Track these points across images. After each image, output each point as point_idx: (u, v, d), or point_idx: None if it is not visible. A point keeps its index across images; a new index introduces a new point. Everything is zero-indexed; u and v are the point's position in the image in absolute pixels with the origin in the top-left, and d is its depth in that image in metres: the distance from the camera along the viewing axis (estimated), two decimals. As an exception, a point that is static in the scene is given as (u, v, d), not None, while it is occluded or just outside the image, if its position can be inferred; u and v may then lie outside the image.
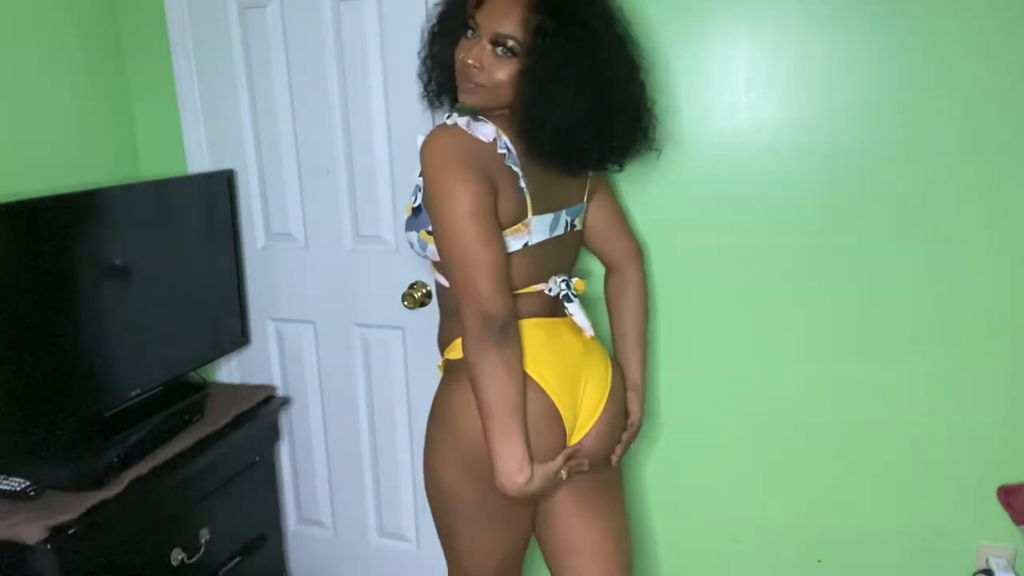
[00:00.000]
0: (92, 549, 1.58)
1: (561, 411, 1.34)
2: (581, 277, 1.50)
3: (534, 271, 1.37)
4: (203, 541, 1.88)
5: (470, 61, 1.27)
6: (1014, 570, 1.75)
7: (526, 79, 1.26)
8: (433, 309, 2.02)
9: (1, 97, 1.82)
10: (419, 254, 1.39)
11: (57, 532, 1.51)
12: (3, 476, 1.63)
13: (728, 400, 1.88)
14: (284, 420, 2.28)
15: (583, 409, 1.39)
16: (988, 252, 1.65)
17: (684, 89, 1.73)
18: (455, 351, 1.38)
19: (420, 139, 1.30)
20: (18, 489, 1.60)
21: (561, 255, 1.44)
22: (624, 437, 1.51)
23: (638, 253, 1.61)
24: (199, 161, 2.15)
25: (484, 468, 1.27)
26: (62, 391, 1.66)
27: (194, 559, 1.85)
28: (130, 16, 2.12)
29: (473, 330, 1.23)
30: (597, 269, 1.67)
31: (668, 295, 1.85)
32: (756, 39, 1.68)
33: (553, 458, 1.33)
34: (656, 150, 1.42)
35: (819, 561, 1.91)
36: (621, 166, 1.41)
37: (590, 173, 1.46)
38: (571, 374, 1.37)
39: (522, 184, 1.30)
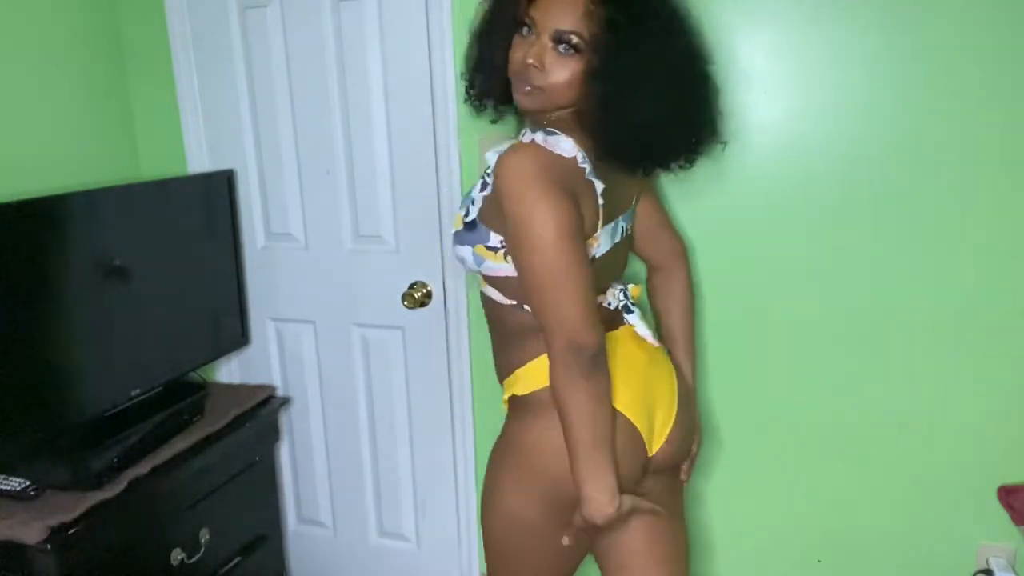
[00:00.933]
0: (92, 549, 1.58)
1: (640, 429, 1.30)
2: (634, 283, 1.47)
3: (596, 284, 1.28)
4: (203, 541, 1.88)
5: (530, 61, 1.20)
6: (1014, 570, 1.75)
7: (598, 78, 1.18)
8: (433, 310, 2.03)
9: (1, 97, 1.82)
10: (472, 270, 1.32)
11: (57, 532, 1.51)
12: (3, 476, 1.63)
13: (727, 401, 1.88)
14: (284, 420, 2.28)
15: (657, 422, 1.34)
16: (988, 252, 1.65)
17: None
18: (520, 384, 1.32)
19: (491, 156, 1.24)
20: (18, 489, 1.60)
21: (616, 263, 1.39)
22: (692, 449, 1.48)
23: (684, 251, 1.57)
24: (199, 161, 2.15)
25: (567, 503, 1.23)
26: (62, 391, 1.66)
27: (194, 559, 1.85)
28: (130, 16, 2.12)
29: (562, 359, 1.17)
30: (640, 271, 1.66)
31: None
32: (756, 38, 1.68)
33: (636, 477, 1.30)
34: (723, 142, 1.40)
35: (819, 561, 1.91)
36: (692, 162, 1.34)
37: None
38: (642, 388, 1.32)
39: (600, 197, 1.24)
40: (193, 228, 2.00)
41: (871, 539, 1.86)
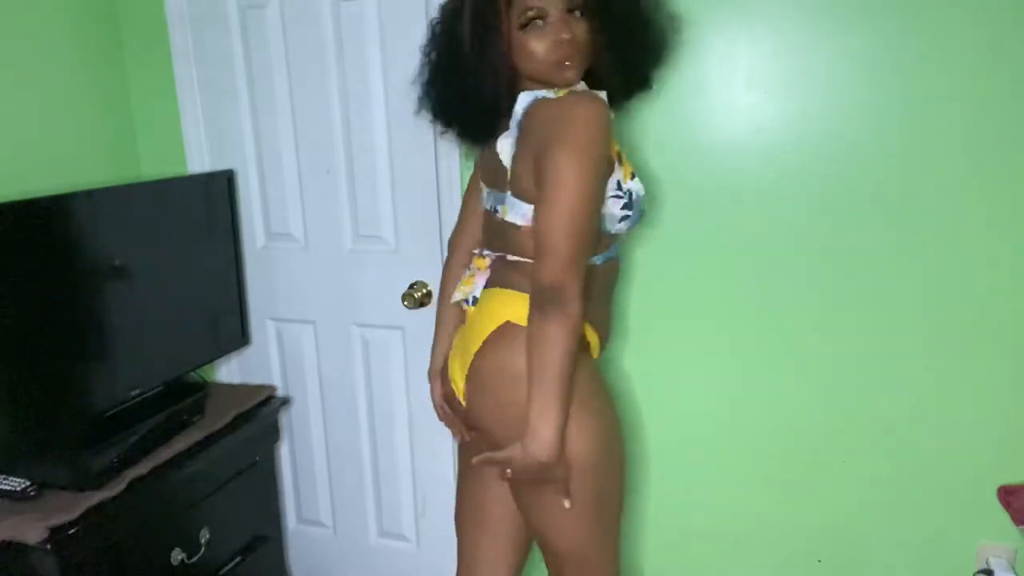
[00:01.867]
0: (92, 549, 1.58)
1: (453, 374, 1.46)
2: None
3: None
4: (203, 541, 1.88)
5: (566, 36, 1.27)
6: (1014, 570, 1.75)
7: (610, 25, 1.31)
8: (433, 309, 2.02)
9: (1, 97, 1.82)
10: (517, 223, 1.36)
11: (57, 532, 1.51)
12: (3, 476, 1.63)
13: (728, 401, 1.88)
14: (284, 420, 2.28)
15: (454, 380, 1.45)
16: (989, 252, 1.65)
17: (688, 89, 1.73)
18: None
19: (549, 95, 1.29)
20: (18, 489, 1.60)
21: (489, 232, 1.48)
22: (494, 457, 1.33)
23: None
24: (199, 161, 2.15)
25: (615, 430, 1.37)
26: (62, 391, 1.66)
27: (194, 559, 1.85)
28: (130, 16, 2.12)
29: (552, 293, 1.21)
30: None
31: (665, 295, 1.85)
32: (756, 38, 1.68)
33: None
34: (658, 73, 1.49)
35: (819, 561, 1.91)
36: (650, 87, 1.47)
37: None
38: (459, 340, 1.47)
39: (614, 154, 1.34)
40: (193, 228, 2.00)
41: (871, 539, 1.86)
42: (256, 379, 2.27)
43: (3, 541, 1.50)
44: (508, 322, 1.34)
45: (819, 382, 1.81)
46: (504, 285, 1.39)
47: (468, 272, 1.48)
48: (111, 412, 1.77)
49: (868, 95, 1.64)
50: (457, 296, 1.48)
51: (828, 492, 1.87)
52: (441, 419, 1.57)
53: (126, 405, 1.81)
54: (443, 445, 2.12)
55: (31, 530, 1.49)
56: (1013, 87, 1.56)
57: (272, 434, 2.20)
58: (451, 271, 1.57)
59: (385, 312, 2.08)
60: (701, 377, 1.88)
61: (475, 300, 1.44)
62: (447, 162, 1.92)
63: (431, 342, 1.60)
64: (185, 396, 1.93)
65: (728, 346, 1.85)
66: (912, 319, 1.72)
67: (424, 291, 2.00)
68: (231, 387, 2.20)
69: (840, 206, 1.70)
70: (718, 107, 1.73)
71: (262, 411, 2.11)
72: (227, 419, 1.98)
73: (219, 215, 2.05)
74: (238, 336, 2.15)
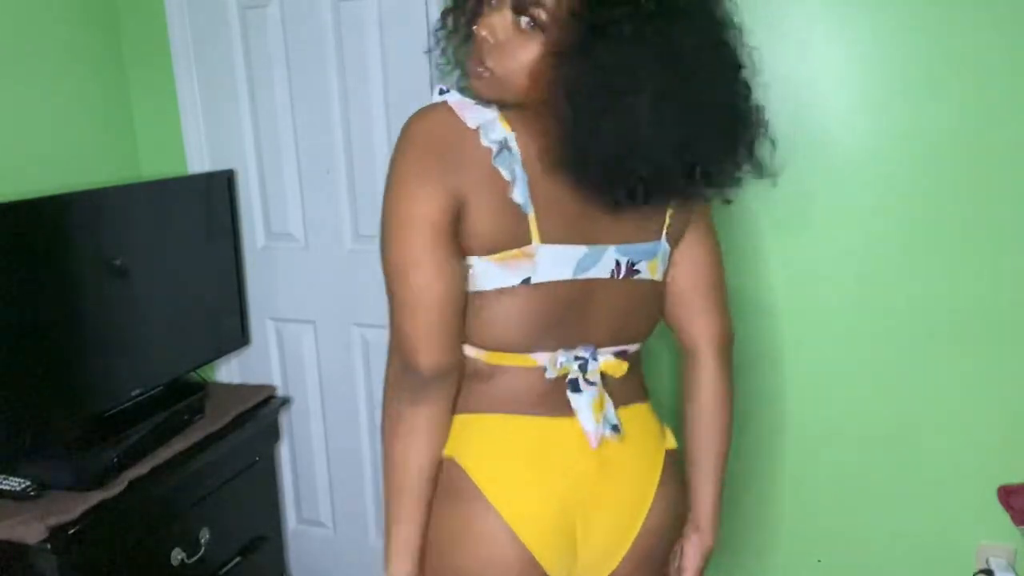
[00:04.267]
0: (92, 549, 1.58)
1: (545, 565, 1.00)
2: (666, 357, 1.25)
3: (534, 330, 0.99)
4: (203, 541, 1.88)
5: (483, 33, 0.95)
6: (1014, 570, 1.75)
7: (563, 66, 0.88)
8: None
9: (1, 97, 1.82)
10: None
11: (57, 532, 1.51)
12: (3, 476, 1.63)
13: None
14: (284, 420, 2.28)
15: (587, 556, 1.03)
16: (988, 251, 1.65)
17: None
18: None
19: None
20: (18, 489, 1.60)
21: (597, 313, 1.02)
22: None
23: (723, 338, 1.14)
24: (199, 161, 2.15)
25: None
26: (62, 391, 1.66)
27: (194, 559, 1.84)
28: (130, 16, 2.12)
29: (392, 376, 1.02)
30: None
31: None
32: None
33: None
34: (770, 176, 1.01)
35: (819, 561, 1.91)
36: (723, 196, 1.02)
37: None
38: (567, 507, 1.00)
39: (517, 195, 0.94)
40: (193, 228, 2.00)
41: (871, 539, 1.86)
42: (256, 379, 2.27)
43: (3, 541, 1.50)
44: (668, 452, 1.09)
45: (817, 381, 1.81)
46: (645, 395, 1.12)
47: (589, 392, 1.01)
48: (111, 412, 1.77)
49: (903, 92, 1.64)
50: (590, 428, 1.00)
51: (828, 492, 1.87)
52: None
53: (126, 405, 1.81)
54: (443, 445, 2.12)
55: (31, 530, 1.49)
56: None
57: (272, 434, 2.20)
58: (436, 422, 1.01)
59: (385, 312, 2.07)
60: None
61: (615, 428, 1.03)
62: (447, 162, 1.92)
63: (391, 527, 1.04)
64: (185, 396, 1.93)
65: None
66: (911, 319, 1.72)
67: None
68: (231, 387, 2.20)
69: (859, 204, 1.70)
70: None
71: (262, 411, 2.10)
72: (227, 419, 1.98)
73: (219, 215, 2.05)
74: (238, 336, 2.15)
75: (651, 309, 1.09)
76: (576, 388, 1.00)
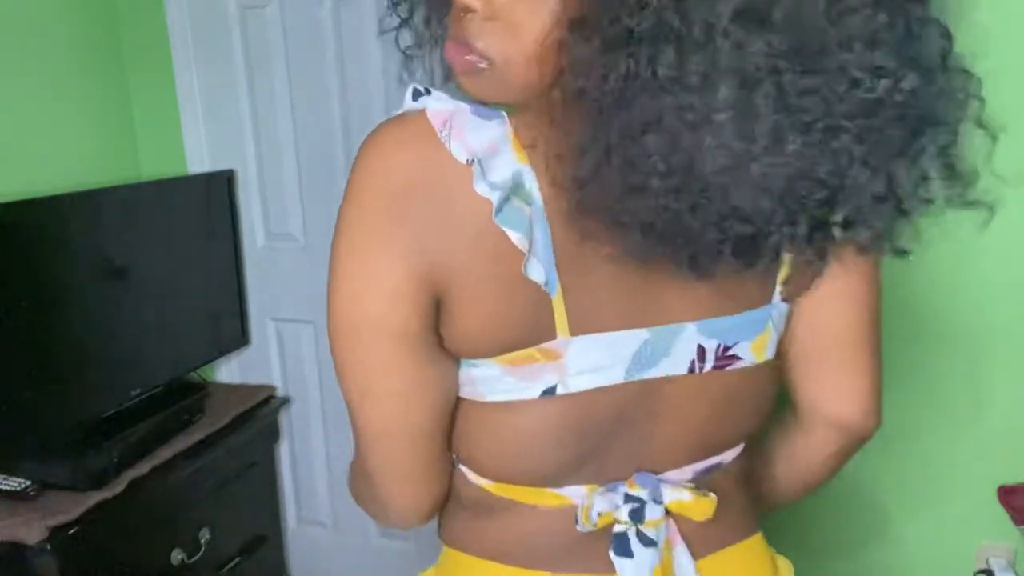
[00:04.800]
0: (92, 549, 1.58)
1: None
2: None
3: (564, 459, 0.67)
4: (203, 541, 1.88)
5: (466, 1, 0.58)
6: (1014, 570, 1.75)
7: (588, 41, 0.52)
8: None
9: (1, 97, 1.82)
10: None
11: (57, 532, 1.51)
12: (3, 476, 1.63)
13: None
14: (284, 420, 2.28)
15: None
16: (989, 249, 1.65)
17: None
18: None
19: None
20: (18, 489, 1.59)
21: (666, 425, 0.68)
22: None
23: (855, 423, 0.80)
24: (199, 161, 2.15)
25: None
26: (62, 391, 1.66)
27: (194, 559, 1.84)
28: (130, 16, 2.12)
29: (355, 490, 0.78)
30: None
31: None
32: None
33: None
34: (983, 206, 0.62)
35: (819, 561, 1.91)
36: (889, 244, 0.65)
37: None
38: None
39: (535, 271, 0.60)
40: (193, 228, 2.00)
41: (871, 539, 1.86)
42: (256, 379, 2.27)
43: (3, 541, 1.50)
44: None
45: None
46: (752, 521, 0.79)
47: (645, 556, 0.67)
48: (111, 412, 1.77)
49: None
50: None
51: (828, 492, 1.86)
52: None
53: (126, 405, 1.81)
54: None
55: (31, 530, 1.49)
56: None
57: (272, 434, 2.20)
58: None
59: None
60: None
61: None
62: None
63: None
64: (185, 396, 1.93)
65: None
66: (912, 318, 1.72)
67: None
68: (231, 387, 2.20)
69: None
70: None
71: (262, 411, 2.11)
72: (227, 419, 1.98)
73: (219, 215, 2.05)
74: (238, 336, 2.15)
75: (758, 402, 0.72)
76: (624, 550, 0.66)
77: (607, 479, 0.68)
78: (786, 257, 0.66)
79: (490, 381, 0.65)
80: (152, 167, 2.20)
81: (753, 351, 0.68)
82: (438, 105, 0.60)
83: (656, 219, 0.54)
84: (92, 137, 2.08)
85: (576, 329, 0.62)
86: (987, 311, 1.68)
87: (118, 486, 1.65)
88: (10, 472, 1.64)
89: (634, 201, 0.54)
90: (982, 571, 1.76)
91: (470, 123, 0.59)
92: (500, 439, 0.67)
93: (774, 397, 0.75)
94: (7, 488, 1.60)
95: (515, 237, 0.59)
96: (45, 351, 1.62)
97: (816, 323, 0.73)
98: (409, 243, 0.60)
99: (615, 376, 0.64)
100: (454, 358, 0.66)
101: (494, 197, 0.58)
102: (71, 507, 1.56)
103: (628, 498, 0.67)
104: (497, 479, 0.70)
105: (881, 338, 0.78)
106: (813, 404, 0.78)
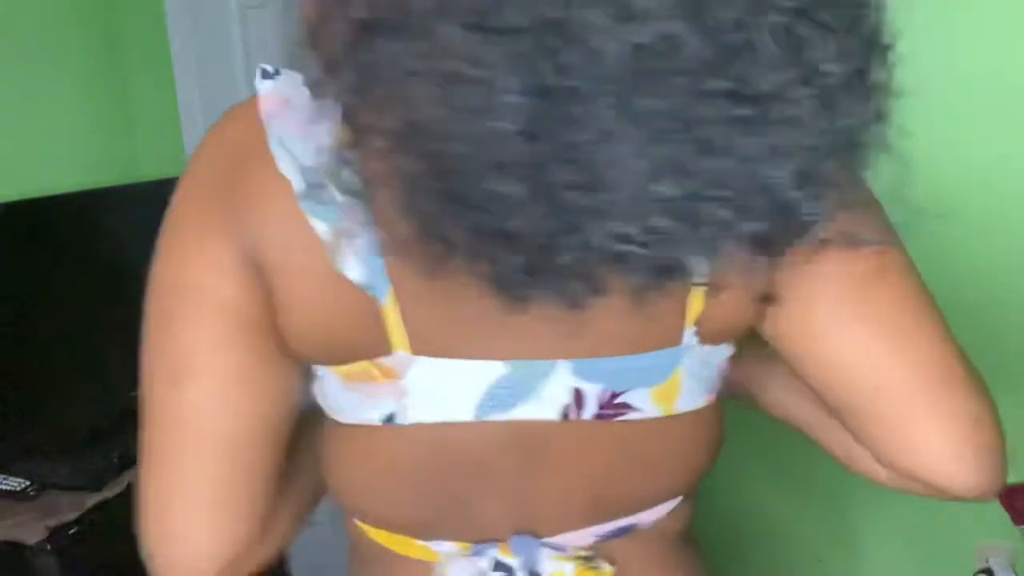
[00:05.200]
0: (92, 549, 1.58)
1: None
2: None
3: (418, 504, 0.58)
4: (203, 541, 1.88)
5: None
6: (1014, 570, 1.75)
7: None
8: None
9: (0, 98, 1.82)
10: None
11: (57, 532, 1.51)
12: (3, 476, 1.63)
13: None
14: (284, 420, 2.28)
15: None
16: (989, 248, 1.65)
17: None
18: None
19: None
20: (18, 489, 1.60)
21: (548, 477, 0.57)
22: None
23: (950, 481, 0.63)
24: (199, 161, 2.15)
25: None
26: (62, 391, 1.66)
27: (194, 559, 1.84)
28: (130, 16, 2.12)
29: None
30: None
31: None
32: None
33: None
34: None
35: (819, 561, 1.91)
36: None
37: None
38: None
39: (352, 268, 0.51)
40: (193, 228, 2.00)
41: (871, 539, 1.86)
42: (256, 379, 2.27)
43: (3, 541, 1.50)
44: None
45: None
46: None
47: None
48: (111, 412, 1.77)
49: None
50: None
51: (828, 491, 1.87)
52: None
53: (126, 405, 1.81)
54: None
55: (31, 530, 1.49)
56: None
57: (272, 434, 2.20)
58: None
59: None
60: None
61: None
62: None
63: None
64: (185, 396, 1.93)
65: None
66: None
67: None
68: (231, 387, 2.19)
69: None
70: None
71: (262, 411, 2.10)
72: (227, 419, 1.98)
73: (219, 215, 2.05)
74: (238, 336, 2.15)
75: (684, 458, 0.59)
76: None
77: (480, 537, 0.58)
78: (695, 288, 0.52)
79: (335, 395, 0.57)
80: (152, 167, 2.20)
81: (654, 401, 0.54)
82: (278, 87, 0.53)
83: (456, 242, 0.42)
84: (91, 137, 2.08)
85: (418, 348, 0.52)
86: (988, 311, 1.68)
87: (118, 486, 1.65)
88: (10, 472, 1.64)
89: (422, 214, 0.42)
90: (982, 571, 1.76)
91: (302, 106, 0.50)
92: (357, 467, 0.59)
93: (715, 445, 0.62)
94: (7, 488, 1.60)
95: (320, 228, 0.50)
96: (45, 351, 1.62)
97: (834, 367, 0.56)
98: (230, 219, 0.53)
99: (463, 413, 0.53)
100: (300, 363, 0.57)
101: (296, 180, 0.50)
102: (71, 507, 1.56)
103: (498, 565, 0.56)
104: (363, 520, 0.63)
105: (959, 354, 0.61)
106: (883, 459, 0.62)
